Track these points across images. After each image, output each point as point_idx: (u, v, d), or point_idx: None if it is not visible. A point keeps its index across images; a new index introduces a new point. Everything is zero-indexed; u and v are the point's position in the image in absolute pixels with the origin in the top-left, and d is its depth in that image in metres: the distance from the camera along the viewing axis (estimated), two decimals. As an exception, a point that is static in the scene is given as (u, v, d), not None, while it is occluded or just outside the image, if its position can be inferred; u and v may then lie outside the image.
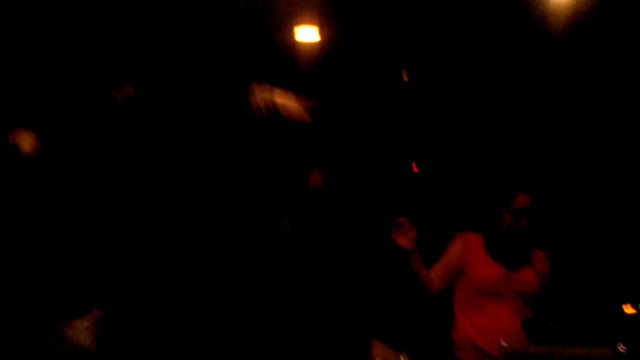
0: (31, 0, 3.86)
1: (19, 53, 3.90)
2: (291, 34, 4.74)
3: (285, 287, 1.44)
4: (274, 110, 1.44)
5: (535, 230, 2.85)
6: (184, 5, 1.33)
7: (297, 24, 4.61)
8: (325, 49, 4.82)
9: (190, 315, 1.37)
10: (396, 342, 1.71)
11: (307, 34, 4.78)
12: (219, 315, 1.37)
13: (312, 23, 4.66)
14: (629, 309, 3.24)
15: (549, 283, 2.83)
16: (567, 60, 4.77)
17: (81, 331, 2.11)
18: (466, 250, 2.82)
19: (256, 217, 1.42)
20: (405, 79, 4.99)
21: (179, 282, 1.37)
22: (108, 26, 4.18)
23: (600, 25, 4.47)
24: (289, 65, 4.87)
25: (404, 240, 2.63)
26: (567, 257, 3.52)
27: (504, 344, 2.46)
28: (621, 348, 1.95)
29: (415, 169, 5.13)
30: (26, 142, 2.75)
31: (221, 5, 1.32)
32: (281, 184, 1.45)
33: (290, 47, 4.81)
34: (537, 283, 2.82)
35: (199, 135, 1.42)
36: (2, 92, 3.90)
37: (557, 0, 4.18)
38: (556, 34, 4.40)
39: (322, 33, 4.75)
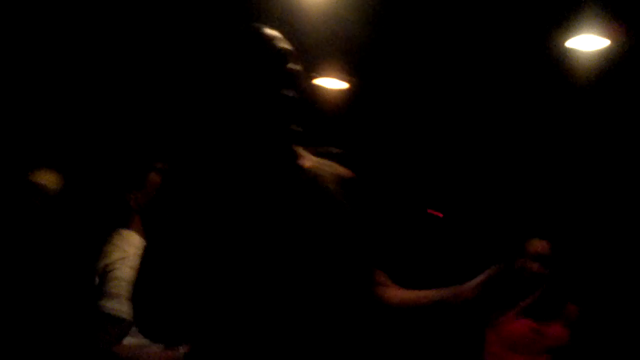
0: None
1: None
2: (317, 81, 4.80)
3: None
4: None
5: (564, 283, 2.77)
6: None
7: (322, 71, 4.67)
8: (349, 95, 4.87)
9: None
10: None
11: (331, 81, 4.84)
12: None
13: (336, 71, 4.72)
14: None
15: (580, 338, 2.73)
16: (590, 111, 4.77)
17: None
18: None
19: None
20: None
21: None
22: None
23: (624, 78, 4.48)
24: (314, 111, 4.91)
25: None
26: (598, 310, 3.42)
27: None
28: None
29: (440, 214, 5.10)
30: (49, 180, 2.77)
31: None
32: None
33: (316, 93, 4.85)
34: (567, 338, 2.73)
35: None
36: (27, 130, 3.96)
37: (582, 52, 4.21)
38: (581, 85, 4.42)
39: (346, 80, 4.80)
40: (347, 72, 4.64)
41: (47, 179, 2.80)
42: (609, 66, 4.24)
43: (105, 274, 2.21)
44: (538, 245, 2.73)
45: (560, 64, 4.34)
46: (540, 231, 2.80)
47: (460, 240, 5.01)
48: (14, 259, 2.59)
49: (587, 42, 4.09)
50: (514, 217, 4.71)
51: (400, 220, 4.96)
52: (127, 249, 2.22)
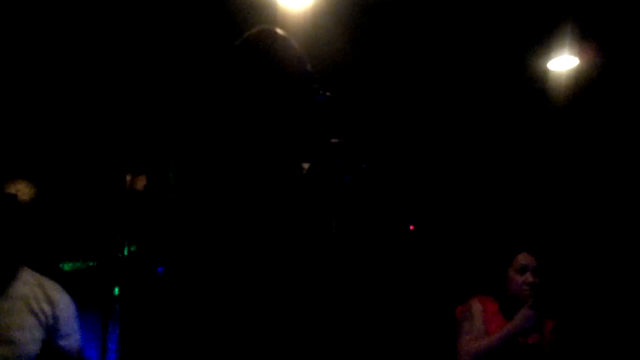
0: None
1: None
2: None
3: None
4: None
5: (544, 296, 2.77)
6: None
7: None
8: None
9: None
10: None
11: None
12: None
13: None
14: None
15: (555, 354, 2.75)
16: (565, 128, 4.85)
17: None
18: (486, 315, 2.74)
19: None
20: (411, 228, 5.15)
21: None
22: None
23: (598, 95, 4.58)
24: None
25: None
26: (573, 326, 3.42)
27: None
28: None
29: (411, 227, 5.11)
30: (25, 190, 2.73)
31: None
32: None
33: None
34: (544, 352, 2.74)
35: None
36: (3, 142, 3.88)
37: (557, 72, 4.31)
38: (555, 103, 4.51)
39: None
40: (328, 86, 4.64)
41: (19, 189, 2.77)
42: (584, 84, 4.34)
43: None
44: (526, 257, 2.78)
45: (539, 84, 4.43)
46: (526, 245, 2.84)
47: (443, 254, 5.03)
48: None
49: (564, 62, 4.21)
50: (499, 233, 4.74)
51: (383, 232, 4.96)
52: None
